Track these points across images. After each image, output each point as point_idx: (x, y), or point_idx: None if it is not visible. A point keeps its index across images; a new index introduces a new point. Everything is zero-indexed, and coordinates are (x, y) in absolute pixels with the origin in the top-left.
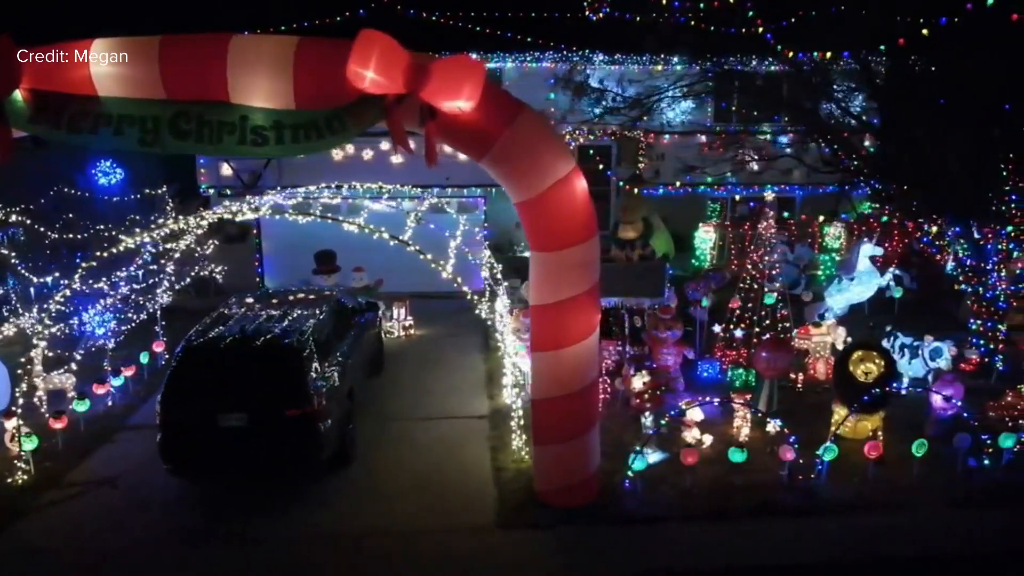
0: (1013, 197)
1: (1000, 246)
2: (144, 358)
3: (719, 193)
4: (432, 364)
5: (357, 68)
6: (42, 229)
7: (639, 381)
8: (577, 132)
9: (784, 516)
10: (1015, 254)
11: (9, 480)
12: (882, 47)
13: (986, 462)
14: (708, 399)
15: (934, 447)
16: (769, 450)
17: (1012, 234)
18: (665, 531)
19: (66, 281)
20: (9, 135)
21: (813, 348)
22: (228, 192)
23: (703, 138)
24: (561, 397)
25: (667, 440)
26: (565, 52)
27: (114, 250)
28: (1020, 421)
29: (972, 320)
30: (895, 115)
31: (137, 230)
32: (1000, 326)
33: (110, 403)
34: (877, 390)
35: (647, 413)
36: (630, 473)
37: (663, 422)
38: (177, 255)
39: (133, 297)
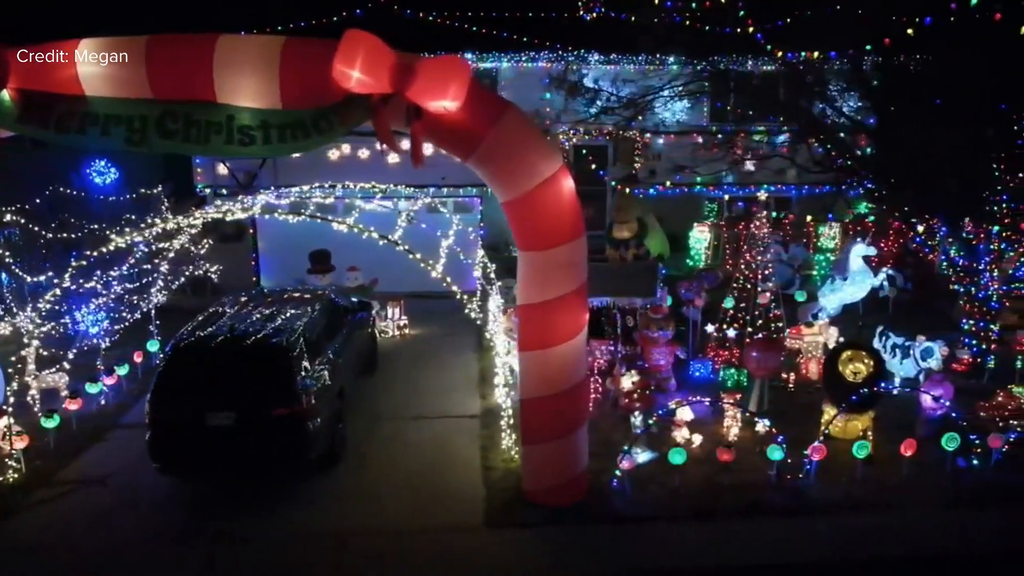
0: (1005, 197)
1: (992, 246)
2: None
3: (714, 193)
4: (426, 363)
5: (343, 68)
6: (37, 229)
7: (628, 381)
8: (572, 132)
9: (773, 516)
10: (1007, 254)
11: (0, 478)
12: (868, 47)
13: (975, 462)
14: (697, 399)
15: (924, 447)
16: (758, 450)
17: (1004, 234)
18: (654, 531)
19: (57, 280)
20: None
21: (805, 348)
22: (224, 192)
23: (700, 138)
24: (549, 396)
25: (657, 440)
26: (560, 52)
27: (104, 249)
28: (1011, 421)
29: (964, 320)
30: (887, 115)
31: (128, 229)
32: (993, 326)
33: (103, 402)
34: (866, 390)
35: (636, 413)
36: (618, 473)
37: (651, 421)
38: (171, 254)
39: (127, 296)
